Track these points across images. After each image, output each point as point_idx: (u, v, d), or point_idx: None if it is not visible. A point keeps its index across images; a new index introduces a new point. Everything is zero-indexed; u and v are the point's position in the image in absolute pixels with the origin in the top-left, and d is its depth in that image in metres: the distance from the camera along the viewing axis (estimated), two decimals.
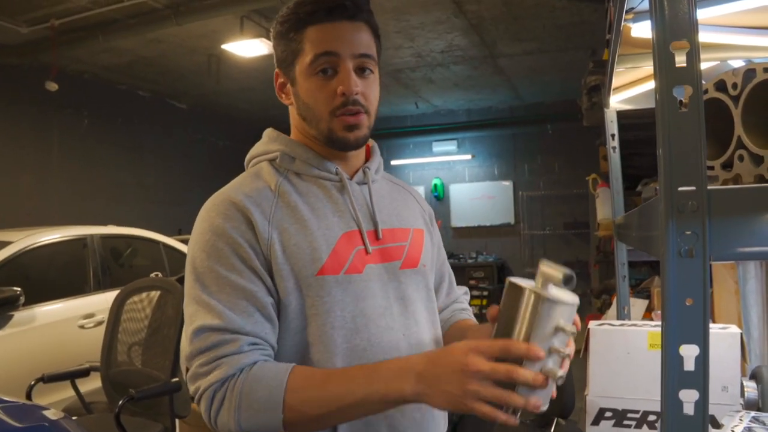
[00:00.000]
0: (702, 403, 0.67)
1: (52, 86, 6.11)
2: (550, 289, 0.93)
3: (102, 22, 5.61)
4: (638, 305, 3.53)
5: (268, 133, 1.30)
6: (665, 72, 0.70)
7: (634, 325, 1.92)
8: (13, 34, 5.71)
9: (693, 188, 0.68)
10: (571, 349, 0.97)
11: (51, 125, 6.99)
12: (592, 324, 1.97)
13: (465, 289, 1.54)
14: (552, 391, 0.96)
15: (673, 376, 0.68)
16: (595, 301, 6.18)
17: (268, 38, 5.72)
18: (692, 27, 0.71)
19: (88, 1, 5.18)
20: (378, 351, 1.14)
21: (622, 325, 1.92)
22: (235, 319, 1.06)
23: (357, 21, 1.17)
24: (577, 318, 0.98)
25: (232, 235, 1.10)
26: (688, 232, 0.68)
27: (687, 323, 0.68)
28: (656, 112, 0.73)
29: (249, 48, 6.03)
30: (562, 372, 0.93)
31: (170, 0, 5.23)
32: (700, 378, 0.67)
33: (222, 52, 6.39)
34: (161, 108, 8.55)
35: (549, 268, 0.93)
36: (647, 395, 1.75)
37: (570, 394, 2.63)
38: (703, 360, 0.67)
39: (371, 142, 1.35)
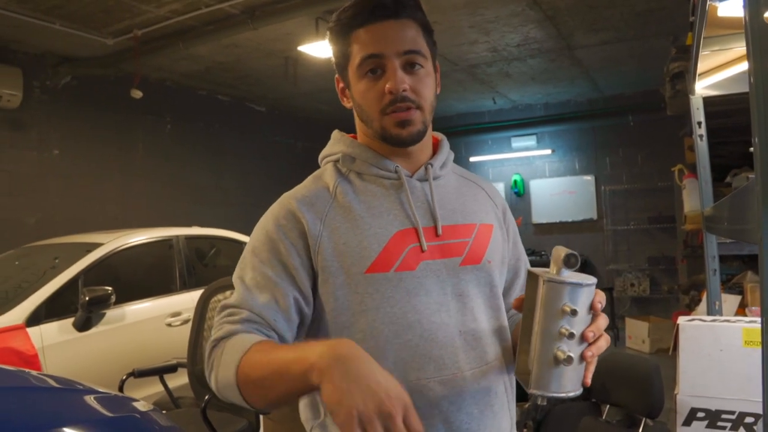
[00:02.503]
0: None
1: (137, 94, 6.32)
2: (560, 273, 0.98)
3: (181, 30, 5.77)
4: (730, 301, 3.38)
5: (334, 134, 1.35)
6: (759, 46, 0.65)
7: (727, 320, 1.84)
8: (100, 46, 5.95)
9: None
10: (594, 327, 1.00)
11: (135, 131, 7.25)
12: (682, 320, 1.89)
13: None
14: (580, 373, 0.99)
15: None
16: (683, 297, 5.96)
17: None
18: None
19: (167, 11, 5.35)
20: (432, 346, 1.15)
21: (713, 320, 1.84)
22: (248, 298, 1.15)
23: (401, 18, 1.19)
24: (601, 295, 1.02)
25: (279, 235, 1.18)
26: None
27: None
28: (750, 91, 0.68)
29: (325, 49, 6.08)
30: (572, 354, 0.96)
31: (246, 5, 5.33)
32: None
33: (298, 54, 6.47)
34: (240, 111, 8.75)
35: (556, 251, 1.00)
36: (743, 395, 1.66)
37: (659, 392, 2.54)
38: None
39: (440, 136, 1.37)
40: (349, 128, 1.35)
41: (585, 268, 9.40)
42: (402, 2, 1.19)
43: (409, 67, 1.19)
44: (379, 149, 1.25)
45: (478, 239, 1.27)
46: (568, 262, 0.96)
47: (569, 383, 0.97)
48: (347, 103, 1.29)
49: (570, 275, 0.98)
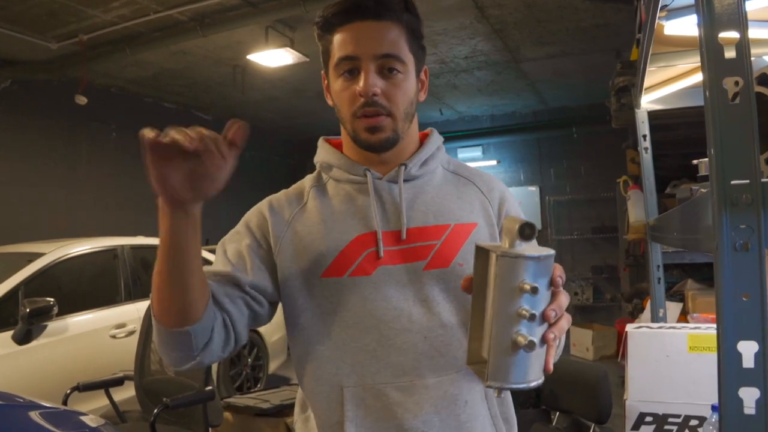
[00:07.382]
0: (764, 402, 0.65)
1: (82, 100, 6.19)
2: (514, 246, 0.85)
3: (128, 36, 5.69)
4: (672, 309, 3.48)
5: (319, 142, 1.34)
6: (714, 65, 0.68)
7: (673, 327, 1.90)
8: (44, 49, 5.81)
9: (747, 181, 0.67)
10: (555, 305, 0.86)
11: (80, 138, 7.09)
12: (630, 327, 1.95)
13: None
14: (542, 359, 0.87)
15: (731, 374, 0.66)
16: (625, 306, 6.10)
17: (292, 48, 5.81)
18: (741, 18, 0.70)
19: (114, 16, 5.26)
20: (390, 352, 1.14)
21: (660, 327, 1.90)
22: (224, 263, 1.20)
23: (383, 20, 1.17)
24: (559, 270, 0.88)
25: (251, 227, 1.23)
26: (743, 226, 0.67)
27: (744, 319, 0.66)
28: (705, 106, 0.71)
29: (274, 58, 6.07)
30: (534, 338, 0.83)
31: (195, 12, 5.29)
32: (760, 375, 0.65)
33: (247, 62, 6.43)
34: (187, 119, 8.58)
35: (507, 222, 0.86)
36: (689, 399, 1.72)
37: (607, 399, 2.60)
38: (763, 356, 0.65)
39: (429, 130, 1.36)
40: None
41: None
42: (384, 4, 1.16)
43: (386, 71, 1.16)
44: (355, 154, 1.25)
45: (449, 241, 1.20)
46: (522, 234, 0.84)
47: (531, 372, 0.85)
48: (329, 101, 1.26)
49: (526, 248, 0.85)
